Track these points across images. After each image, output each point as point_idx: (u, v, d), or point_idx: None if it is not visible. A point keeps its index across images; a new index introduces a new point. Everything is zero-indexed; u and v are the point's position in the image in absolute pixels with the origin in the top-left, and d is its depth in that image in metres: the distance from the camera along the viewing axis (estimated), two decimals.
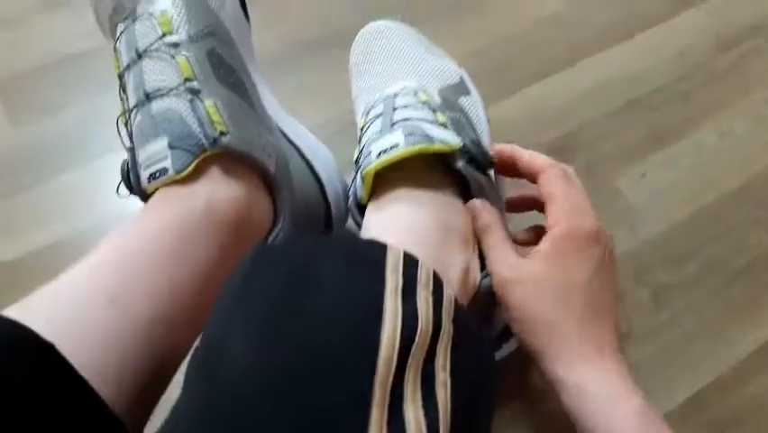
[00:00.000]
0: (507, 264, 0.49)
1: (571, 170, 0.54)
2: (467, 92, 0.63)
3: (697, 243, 0.72)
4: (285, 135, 0.59)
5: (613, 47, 0.86)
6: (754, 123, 0.80)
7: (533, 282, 0.48)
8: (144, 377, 0.42)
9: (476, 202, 0.54)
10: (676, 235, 0.73)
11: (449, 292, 0.41)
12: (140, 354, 0.41)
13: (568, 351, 0.47)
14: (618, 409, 0.44)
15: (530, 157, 0.54)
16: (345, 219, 0.64)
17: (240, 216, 0.49)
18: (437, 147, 0.52)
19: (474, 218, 0.53)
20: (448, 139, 0.53)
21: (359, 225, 0.55)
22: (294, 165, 0.56)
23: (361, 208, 0.55)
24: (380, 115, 0.57)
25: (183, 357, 0.46)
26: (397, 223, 0.51)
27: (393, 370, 0.34)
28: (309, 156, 0.60)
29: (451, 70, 0.64)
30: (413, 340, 0.36)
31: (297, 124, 0.62)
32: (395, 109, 0.56)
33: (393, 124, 0.54)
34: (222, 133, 0.48)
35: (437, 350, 0.38)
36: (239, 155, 0.49)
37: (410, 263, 0.40)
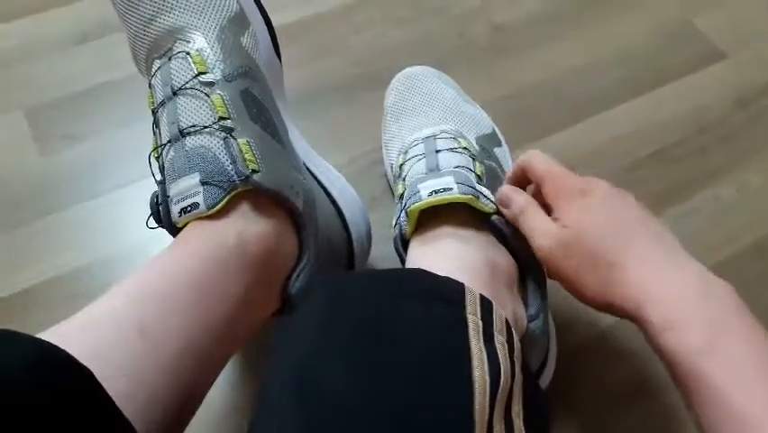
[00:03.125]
0: (550, 234, 0.50)
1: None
2: (499, 144, 0.64)
3: None
4: (311, 173, 0.60)
5: (634, 100, 0.87)
6: None
7: (570, 241, 0.49)
8: (173, 407, 0.42)
9: (505, 189, 0.55)
10: None
11: (517, 339, 0.41)
12: (169, 384, 0.42)
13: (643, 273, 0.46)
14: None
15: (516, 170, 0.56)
16: (367, 257, 0.65)
17: (268, 252, 0.49)
18: (481, 205, 0.54)
19: (506, 204, 0.54)
20: (489, 199, 0.54)
21: (402, 260, 0.56)
22: (319, 203, 0.57)
23: (405, 244, 0.56)
24: (422, 155, 0.58)
25: (210, 386, 0.47)
26: (446, 258, 0.52)
27: (486, 418, 0.35)
28: (334, 194, 0.61)
29: (484, 120, 0.65)
30: (498, 387, 0.37)
31: (323, 163, 0.63)
32: (438, 152, 0.57)
33: (441, 168, 0.56)
34: (254, 171, 0.49)
35: (513, 398, 0.39)
36: (269, 193, 0.50)
37: (486, 306, 0.41)
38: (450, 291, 0.41)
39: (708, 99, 0.88)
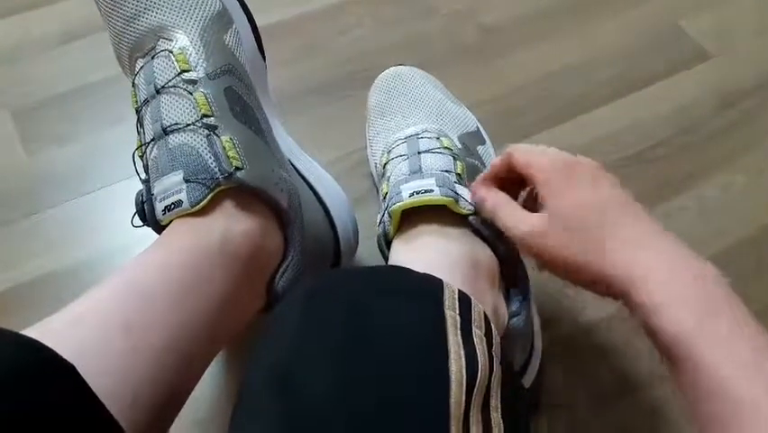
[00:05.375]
0: (529, 221, 0.50)
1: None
2: (483, 142, 0.65)
3: None
4: (297, 170, 0.60)
5: (619, 100, 0.87)
6: (755, 177, 0.81)
7: (556, 222, 0.48)
8: (158, 404, 0.42)
9: (476, 189, 0.55)
10: None
11: (496, 334, 0.42)
12: (154, 381, 0.42)
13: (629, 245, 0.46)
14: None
15: (499, 163, 0.55)
16: (353, 254, 0.65)
17: (253, 249, 0.50)
18: (459, 209, 0.54)
19: (481, 206, 0.54)
20: (468, 201, 0.55)
21: (385, 258, 0.57)
22: (305, 200, 0.57)
23: (388, 243, 0.57)
24: (405, 156, 0.59)
25: (195, 384, 0.47)
26: (427, 255, 0.53)
27: (462, 411, 0.35)
28: (320, 191, 0.61)
29: (468, 118, 0.66)
30: (475, 381, 0.37)
31: (308, 160, 0.63)
32: (420, 153, 0.58)
33: (423, 171, 0.57)
34: (237, 168, 0.49)
35: (491, 392, 0.39)
36: (253, 190, 0.50)
37: (464, 301, 0.41)
38: (427, 287, 0.41)
39: (694, 99, 0.88)
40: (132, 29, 0.55)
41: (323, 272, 0.52)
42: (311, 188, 0.60)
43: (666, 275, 0.44)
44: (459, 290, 0.41)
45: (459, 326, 0.39)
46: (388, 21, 0.94)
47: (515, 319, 0.54)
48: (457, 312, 0.40)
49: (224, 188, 0.49)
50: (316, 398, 0.35)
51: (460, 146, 0.61)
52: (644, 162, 0.82)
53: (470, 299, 0.41)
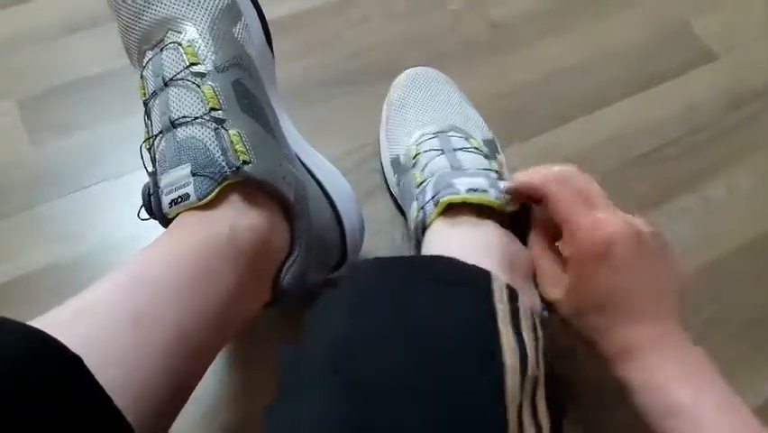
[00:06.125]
0: (555, 295, 0.52)
1: (569, 169, 0.54)
2: (498, 150, 0.66)
3: (702, 297, 0.72)
4: (304, 165, 0.60)
5: (627, 99, 0.87)
6: (763, 179, 0.81)
7: (573, 303, 0.51)
8: (165, 396, 0.42)
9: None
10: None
11: (539, 327, 0.42)
12: (161, 373, 0.42)
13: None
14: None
15: (529, 180, 0.55)
16: (359, 250, 0.65)
17: (260, 243, 0.49)
18: (509, 209, 0.56)
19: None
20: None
21: (418, 244, 0.58)
22: (311, 195, 0.57)
23: (423, 230, 0.58)
24: (440, 150, 0.60)
25: (201, 378, 0.47)
26: (467, 246, 0.53)
27: (518, 401, 0.36)
28: (327, 186, 0.61)
29: (485, 127, 0.67)
30: (526, 372, 0.38)
31: (316, 155, 0.63)
32: (455, 150, 0.60)
33: (464, 167, 0.58)
34: (245, 162, 0.49)
35: (538, 384, 0.40)
36: (260, 184, 0.50)
37: (512, 294, 0.42)
38: (477, 278, 0.42)
39: (701, 100, 0.88)
40: (140, 21, 0.55)
41: (368, 259, 0.52)
42: (318, 183, 0.60)
43: (655, 356, 0.48)
44: (507, 284, 0.42)
45: (510, 317, 0.40)
46: (396, 15, 0.93)
47: (544, 313, 0.54)
48: (506, 304, 0.41)
49: (232, 182, 0.49)
50: (375, 376, 0.36)
51: (486, 149, 0.62)
52: (651, 163, 0.81)
53: (517, 293, 0.42)
